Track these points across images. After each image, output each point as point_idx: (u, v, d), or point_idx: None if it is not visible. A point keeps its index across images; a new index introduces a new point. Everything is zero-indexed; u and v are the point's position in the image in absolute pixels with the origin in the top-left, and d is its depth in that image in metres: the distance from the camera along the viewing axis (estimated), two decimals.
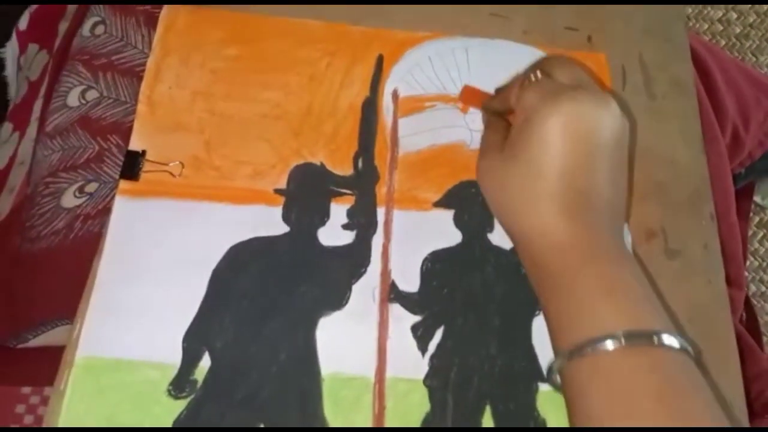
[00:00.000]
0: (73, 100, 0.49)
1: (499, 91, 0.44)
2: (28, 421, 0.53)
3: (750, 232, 0.77)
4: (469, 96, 0.47)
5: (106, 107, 0.49)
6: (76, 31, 0.54)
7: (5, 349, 0.48)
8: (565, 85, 0.36)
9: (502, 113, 0.41)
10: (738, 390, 0.43)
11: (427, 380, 0.40)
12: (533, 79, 0.38)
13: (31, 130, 0.55)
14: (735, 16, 0.91)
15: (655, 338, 0.31)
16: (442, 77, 0.48)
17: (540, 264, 0.35)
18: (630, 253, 0.37)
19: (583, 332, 0.31)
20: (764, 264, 0.79)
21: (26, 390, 0.53)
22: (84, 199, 0.47)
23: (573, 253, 0.34)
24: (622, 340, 0.30)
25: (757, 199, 0.80)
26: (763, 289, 0.77)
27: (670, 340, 0.31)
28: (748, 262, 0.77)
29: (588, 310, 0.32)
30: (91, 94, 0.49)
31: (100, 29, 0.52)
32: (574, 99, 0.34)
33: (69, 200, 0.47)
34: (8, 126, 0.58)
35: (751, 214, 0.76)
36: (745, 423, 0.42)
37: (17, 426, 0.51)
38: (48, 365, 0.41)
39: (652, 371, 0.30)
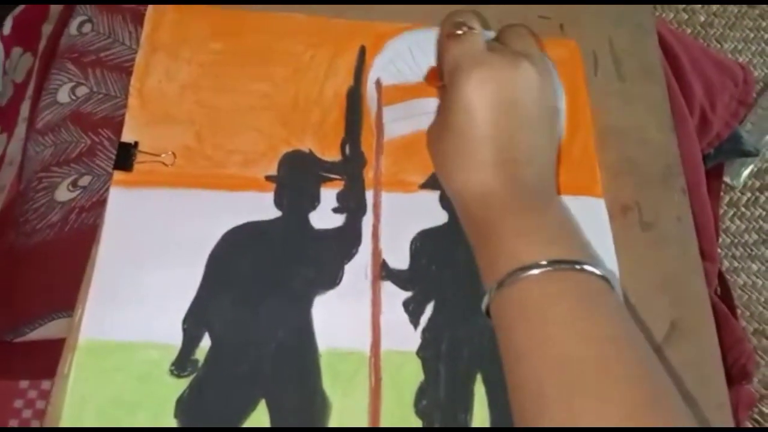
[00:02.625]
0: (63, 96, 0.50)
1: None
2: (27, 415, 0.54)
3: (721, 211, 0.80)
4: (434, 77, 0.49)
5: (96, 102, 0.50)
6: (62, 32, 0.55)
7: (3, 344, 0.48)
8: (480, 50, 0.39)
9: None
10: (715, 354, 0.45)
11: (420, 352, 0.41)
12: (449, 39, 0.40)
13: (20, 130, 0.55)
14: (699, 5, 0.96)
15: (572, 266, 0.33)
16: (422, 66, 0.50)
17: (471, 217, 0.38)
18: (558, 200, 0.40)
19: (508, 264, 0.34)
20: (735, 241, 0.83)
21: (24, 384, 0.54)
22: (78, 192, 0.48)
23: (499, 202, 0.37)
24: (543, 267, 0.33)
25: (727, 179, 0.84)
26: (735, 264, 0.81)
27: (588, 267, 0.33)
28: (720, 239, 0.81)
29: (510, 248, 0.35)
30: (81, 90, 0.50)
31: (87, 27, 0.53)
32: (489, 65, 0.37)
33: (63, 194, 0.48)
34: None
35: (722, 194, 0.80)
36: (723, 391, 0.44)
37: (16, 420, 0.52)
38: (46, 359, 0.42)
39: (564, 296, 0.32)
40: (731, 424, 0.43)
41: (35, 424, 0.53)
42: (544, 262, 0.33)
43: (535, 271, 0.33)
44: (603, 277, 0.33)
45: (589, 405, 0.30)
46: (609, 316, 0.32)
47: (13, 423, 0.53)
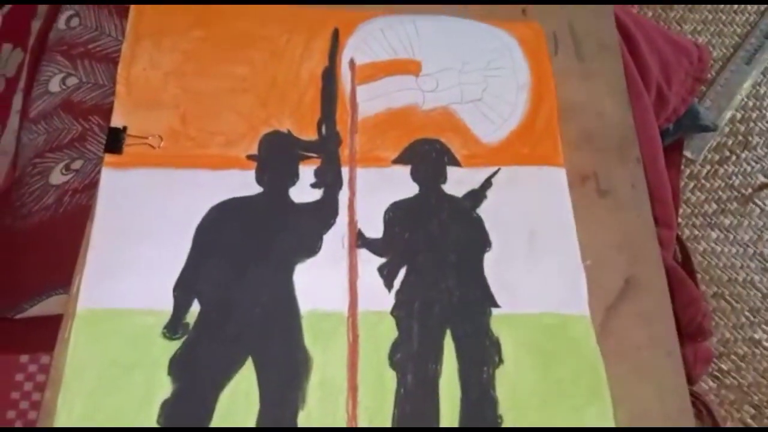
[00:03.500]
0: (54, 86, 0.53)
1: None
2: (28, 388, 0.57)
3: (682, 183, 0.84)
4: None
5: (85, 91, 0.53)
6: (51, 27, 0.58)
7: (3, 321, 0.51)
8: None
9: None
10: (666, 307, 0.49)
11: (394, 311, 0.45)
12: None
13: (13, 122, 0.58)
14: None
15: None
16: (394, 44, 0.53)
17: None
18: None
19: None
20: (696, 211, 0.87)
21: (24, 359, 0.57)
22: (71, 175, 0.51)
23: None
24: None
25: (687, 153, 0.88)
26: (696, 233, 0.85)
27: None
28: (681, 210, 0.85)
29: None
30: (71, 80, 0.53)
31: (74, 21, 0.56)
32: None
33: (56, 177, 0.51)
34: None
35: (683, 167, 0.84)
36: (673, 342, 0.48)
37: (18, 392, 0.55)
38: (45, 334, 0.45)
39: None
40: (681, 370, 0.46)
41: (36, 396, 0.56)
42: None
43: None
44: None
45: None
46: None
47: (15, 395, 0.56)
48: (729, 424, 0.73)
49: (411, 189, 0.49)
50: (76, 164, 0.51)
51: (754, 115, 0.94)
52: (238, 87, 0.51)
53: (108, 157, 0.48)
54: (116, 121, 0.49)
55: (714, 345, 0.77)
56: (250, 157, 0.49)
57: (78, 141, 0.52)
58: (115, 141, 0.48)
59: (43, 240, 0.50)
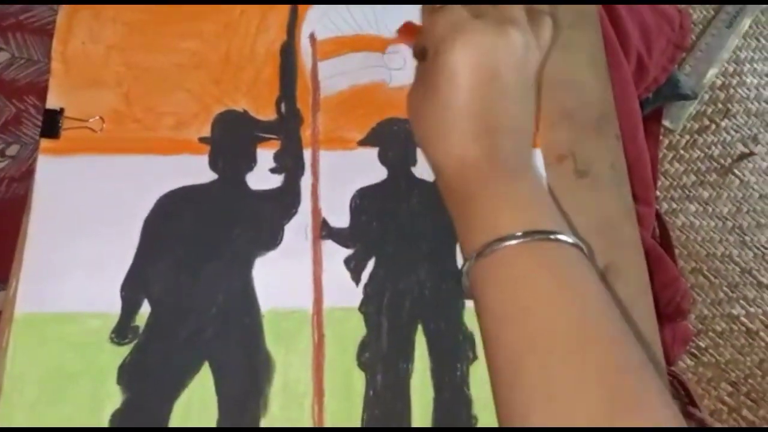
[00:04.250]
0: None
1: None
2: None
3: (660, 154, 0.82)
4: (408, 32, 0.48)
5: (18, 68, 0.48)
6: None
7: None
8: (465, 17, 0.38)
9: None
10: (646, 294, 0.47)
11: (362, 307, 0.42)
12: (434, 9, 0.40)
13: None
14: None
15: (550, 236, 0.34)
16: (357, 18, 0.49)
17: (452, 186, 0.38)
18: (534, 170, 0.40)
19: (486, 235, 0.34)
20: (674, 183, 0.85)
21: None
22: (6, 162, 0.47)
23: (478, 172, 0.37)
24: (519, 238, 0.33)
25: (666, 122, 0.85)
26: (674, 206, 0.84)
27: (563, 237, 0.34)
28: (659, 182, 0.83)
29: (491, 217, 0.35)
30: (2, 56, 0.48)
31: None
32: (473, 31, 0.36)
33: None
34: None
35: (661, 137, 0.82)
36: (652, 327, 0.46)
37: None
38: None
39: (544, 265, 0.33)
40: (661, 361, 0.45)
41: None
42: (520, 233, 0.33)
43: (513, 242, 0.33)
44: (576, 245, 0.34)
45: (567, 370, 0.31)
46: (585, 285, 0.34)
47: None
48: (706, 402, 0.73)
49: (379, 173, 0.46)
50: (12, 150, 0.47)
51: (734, 82, 0.92)
52: (188, 63, 0.46)
53: (44, 143, 0.43)
54: (52, 102, 0.44)
55: (692, 322, 0.76)
56: (202, 140, 0.45)
57: (12, 124, 0.47)
58: (51, 124, 0.43)
59: None
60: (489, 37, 0.36)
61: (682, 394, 0.59)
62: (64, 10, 0.47)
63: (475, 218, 0.36)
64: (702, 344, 0.77)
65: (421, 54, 0.41)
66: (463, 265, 0.36)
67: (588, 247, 0.36)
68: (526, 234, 0.33)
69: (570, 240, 0.34)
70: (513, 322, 0.33)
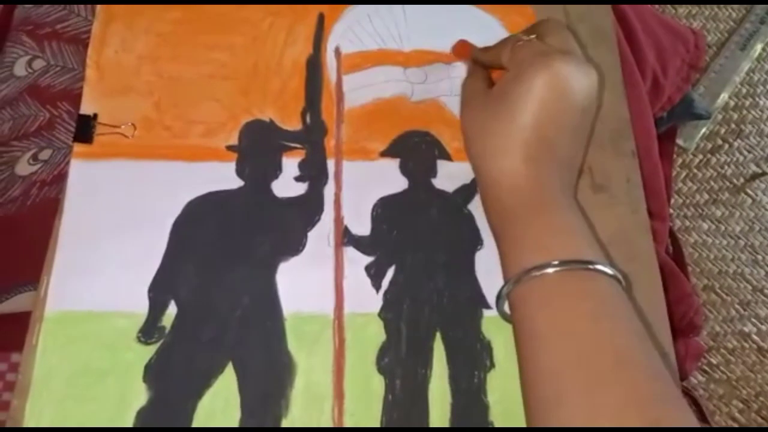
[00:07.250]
0: (20, 69, 0.50)
1: (489, 48, 0.46)
2: None
3: (674, 173, 0.83)
4: (462, 49, 0.50)
5: (53, 75, 0.50)
6: (15, 5, 0.54)
7: None
8: (557, 48, 0.40)
9: (486, 66, 0.46)
10: (660, 307, 0.48)
11: (382, 313, 0.43)
12: (526, 40, 0.42)
13: None
14: None
15: (591, 266, 0.35)
16: (381, 33, 0.51)
17: (502, 202, 0.39)
18: (575, 201, 0.42)
19: (530, 260, 0.36)
20: (687, 201, 0.86)
21: None
22: (39, 166, 0.48)
23: (532, 196, 0.38)
24: (564, 265, 0.35)
25: (679, 141, 0.86)
26: (687, 223, 0.84)
27: (603, 268, 0.35)
28: (672, 200, 0.84)
29: (537, 243, 0.37)
30: (38, 63, 0.50)
31: None
32: (565, 61, 0.38)
33: (23, 168, 0.48)
34: None
35: (675, 156, 0.82)
36: (667, 341, 0.47)
37: None
38: (14, 331, 0.42)
39: (588, 295, 0.35)
40: (675, 373, 0.45)
41: (6, 396, 0.54)
42: (565, 260, 0.35)
43: (557, 269, 0.35)
44: (614, 277, 0.36)
45: (609, 398, 0.32)
46: (625, 316, 0.35)
47: None
48: (717, 419, 0.73)
49: (400, 183, 0.47)
50: (45, 154, 0.48)
51: (747, 103, 0.93)
52: (217, 73, 0.48)
53: (77, 147, 0.45)
54: (86, 108, 0.46)
55: (704, 338, 0.76)
56: (230, 148, 0.46)
57: (46, 129, 0.48)
58: (84, 129, 0.45)
59: (8, 235, 0.47)
60: (574, 71, 0.38)
61: (693, 410, 0.60)
62: (98, 20, 0.48)
63: (522, 242, 0.37)
64: (714, 361, 0.77)
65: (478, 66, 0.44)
66: (504, 287, 0.37)
67: (626, 278, 0.37)
68: (568, 263, 0.35)
69: (610, 272, 0.35)
70: (555, 346, 0.34)
